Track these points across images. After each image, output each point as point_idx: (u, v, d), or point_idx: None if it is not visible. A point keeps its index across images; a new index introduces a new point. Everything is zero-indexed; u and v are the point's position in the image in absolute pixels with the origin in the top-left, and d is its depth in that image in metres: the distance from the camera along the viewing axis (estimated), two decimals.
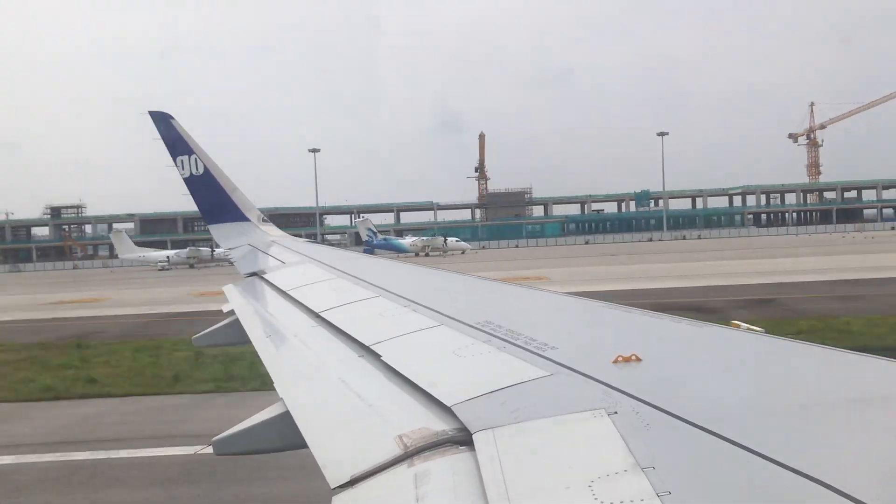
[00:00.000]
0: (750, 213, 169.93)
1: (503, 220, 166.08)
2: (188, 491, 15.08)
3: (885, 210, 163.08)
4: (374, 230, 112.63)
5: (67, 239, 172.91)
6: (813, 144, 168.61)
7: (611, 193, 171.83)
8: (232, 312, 8.06)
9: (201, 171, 15.30)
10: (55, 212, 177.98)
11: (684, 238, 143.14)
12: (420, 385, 3.49)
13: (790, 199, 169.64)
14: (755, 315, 31.81)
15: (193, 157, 15.28)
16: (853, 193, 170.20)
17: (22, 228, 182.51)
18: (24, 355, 31.77)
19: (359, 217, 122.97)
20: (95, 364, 29.06)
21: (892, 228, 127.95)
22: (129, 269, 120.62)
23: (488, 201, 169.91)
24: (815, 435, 2.49)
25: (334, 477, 2.77)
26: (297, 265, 10.37)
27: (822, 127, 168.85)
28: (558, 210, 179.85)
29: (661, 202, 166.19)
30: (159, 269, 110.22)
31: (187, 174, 15.31)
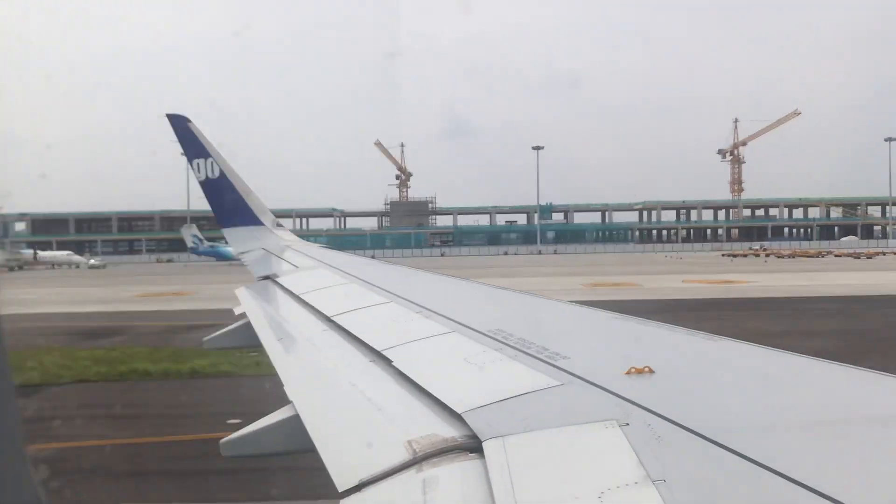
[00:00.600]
0: (638, 230, 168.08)
1: (404, 229, 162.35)
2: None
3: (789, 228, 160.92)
4: (200, 237, 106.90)
5: None
6: (736, 161, 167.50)
7: (516, 205, 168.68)
8: (244, 315, 8.09)
9: (217, 174, 15.41)
10: None
11: (555, 252, 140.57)
12: (430, 391, 3.48)
13: (707, 215, 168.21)
14: None
15: (210, 160, 15.39)
16: (774, 210, 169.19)
17: None
18: None
19: (187, 223, 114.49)
20: None
21: (762, 248, 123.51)
22: None
23: (391, 210, 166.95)
24: (829, 452, 2.46)
25: (342, 481, 2.76)
26: (310, 269, 10.41)
27: (744, 143, 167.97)
28: (468, 220, 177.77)
29: (563, 215, 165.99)
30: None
31: (203, 177, 15.41)
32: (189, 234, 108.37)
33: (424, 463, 2.73)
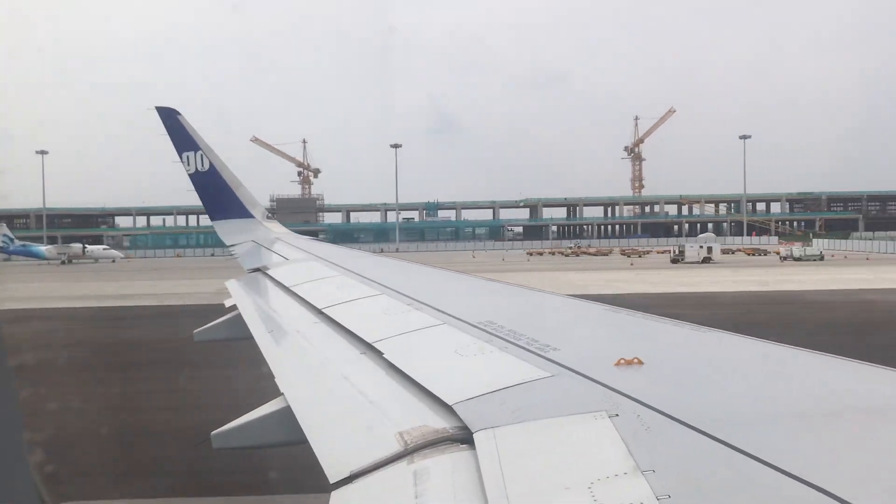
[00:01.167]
0: (511, 227, 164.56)
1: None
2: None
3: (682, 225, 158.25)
4: (11, 236, 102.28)
5: None
6: (637, 158, 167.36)
7: (405, 203, 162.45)
8: (234, 307, 8.07)
9: (207, 167, 15.33)
10: None
11: (397, 251, 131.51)
12: (421, 383, 3.49)
13: (592, 212, 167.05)
14: None
15: (199, 153, 15.32)
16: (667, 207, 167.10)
17: None
18: None
19: None
20: None
21: (577, 246, 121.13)
22: None
23: (277, 207, 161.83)
24: (815, 441, 2.49)
25: (334, 472, 2.77)
26: (300, 262, 10.39)
27: (641, 141, 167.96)
28: (363, 217, 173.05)
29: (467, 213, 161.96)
30: None
31: (193, 170, 15.34)
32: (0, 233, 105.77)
33: (416, 454, 2.74)
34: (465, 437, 2.77)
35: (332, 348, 4.90)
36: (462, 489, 2.39)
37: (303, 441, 3.37)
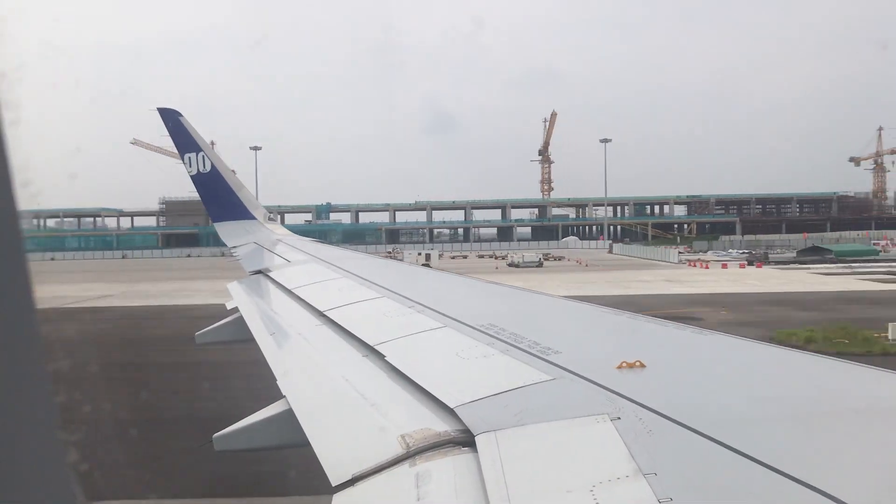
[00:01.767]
0: (384, 230, 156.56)
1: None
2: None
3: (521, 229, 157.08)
4: None
5: None
6: (546, 161, 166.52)
7: (299, 205, 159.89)
8: (236, 310, 8.08)
9: (208, 168, 15.35)
10: None
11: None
12: (423, 386, 3.49)
13: (484, 215, 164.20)
14: None
15: (201, 154, 15.34)
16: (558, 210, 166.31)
17: None
18: None
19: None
20: None
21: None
22: None
23: (167, 209, 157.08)
24: (816, 444, 2.50)
25: (335, 475, 2.78)
26: (302, 264, 10.39)
27: (547, 144, 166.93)
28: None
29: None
30: None
31: (194, 171, 15.36)
32: None
33: (417, 457, 2.75)
34: (466, 440, 2.77)
35: (334, 351, 4.91)
36: (464, 492, 2.39)
37: (305, 444, 3.37)
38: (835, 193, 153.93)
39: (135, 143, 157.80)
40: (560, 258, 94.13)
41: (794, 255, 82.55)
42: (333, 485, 2.72)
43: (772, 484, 2.08)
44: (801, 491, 2.00)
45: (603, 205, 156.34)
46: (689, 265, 76.48)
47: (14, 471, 1.24)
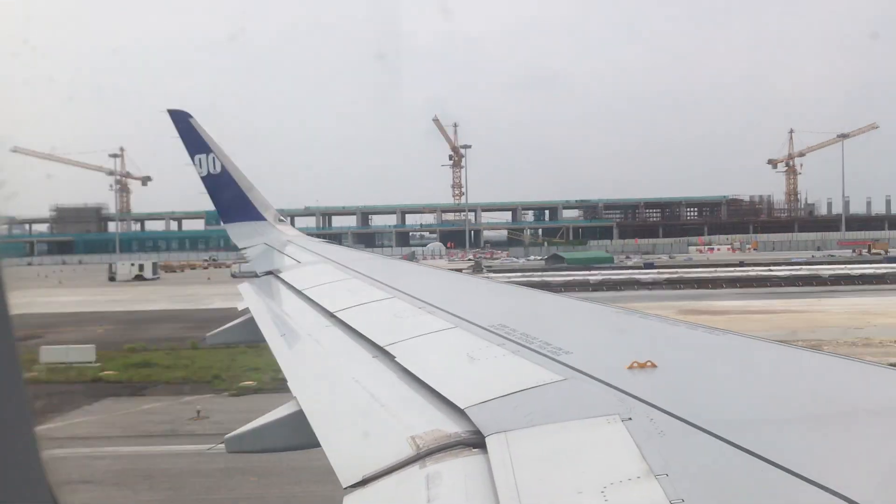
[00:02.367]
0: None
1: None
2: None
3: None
4: None
5: None
6: (456, 165, 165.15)
7: (190, 211, 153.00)
8: (247, 311, 8.10)
9: (219, 170, 15.40)
10: None
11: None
12: (433, 387, 3.49)
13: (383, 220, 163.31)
14: None
15: (211, 155, 15.38)
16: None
17: None
18: None
19: None
20: None
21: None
22: None
23: (59, 216, 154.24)
24: (831, 444, 2.47)
25: (346, 477, 2.78)
26: (312, 265, 10.42)
27: (456, 149, 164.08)
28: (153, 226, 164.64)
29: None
30: None
31: (205, 173, 15.41)
32: None
33: (428, 458, 2.74)
34: (477, 442, 2.77)
35: (344, 352, 4.91)
36: (474, 493, 2.39)
37: (315, 445, 3.37)
38: (724, 197, 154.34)
39: (16, 150, 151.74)
40: None
41: (543, 262, 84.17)
42: (344, 486, 2.72)
43: (785, 485, 2.06)
44: (816, 492, 1.98)
45: (490, 210, 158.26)
46: None
47: None
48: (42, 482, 1.32)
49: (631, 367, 3.29)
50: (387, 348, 4.42)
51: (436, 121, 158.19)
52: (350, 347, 4.93)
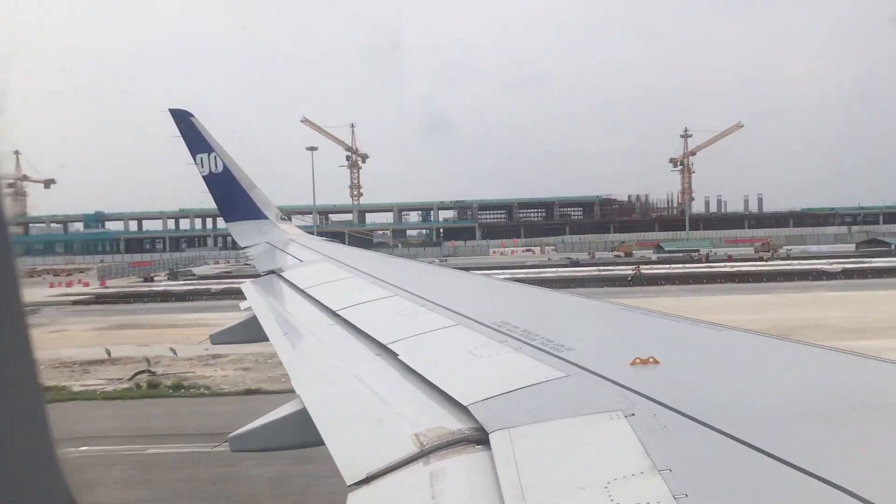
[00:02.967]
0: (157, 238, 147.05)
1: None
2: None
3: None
4: None
5: None
6: (354, 165, 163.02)
7: (130, 212, 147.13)
8: (249, 310, 8.12)
9: (220, 169, 15.42)
10: None
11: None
12: (436, 384, 3.50)
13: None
14: None
15: (213, 154, 15.40)
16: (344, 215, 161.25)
17: None
18: None
19: None
20: None
21: None
22: None
23: None
24: (835, 439, 2.48)
25: (350, 474, 2.79)
26: (314, 263, 10.43)
27: (353, 151, 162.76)
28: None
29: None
30: None
31: (206, 172, 15.43)
32: None
33: (431, 455, 2.75)
34: (480, 438, 2.77)
35: (347, 350, 4.92)
36: (478, 490, 2.39)
37: (319, 443, 3.38)
38: (597, 197, 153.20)
39: (305, 122, 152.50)
40: None
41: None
42: (348, 484, 2.73)
43: (789, 480, 2.06)
44: (820, 487, 1.98)
45: (373, 211, 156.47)
46: None
47: (7, 471, 1.25)
48: (60, 482, 1.32)
49: (633, 364, 3.29)
50: (389, 346, 4.43)
51: (305, 121, 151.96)
52: (353, 345, 4.94)
